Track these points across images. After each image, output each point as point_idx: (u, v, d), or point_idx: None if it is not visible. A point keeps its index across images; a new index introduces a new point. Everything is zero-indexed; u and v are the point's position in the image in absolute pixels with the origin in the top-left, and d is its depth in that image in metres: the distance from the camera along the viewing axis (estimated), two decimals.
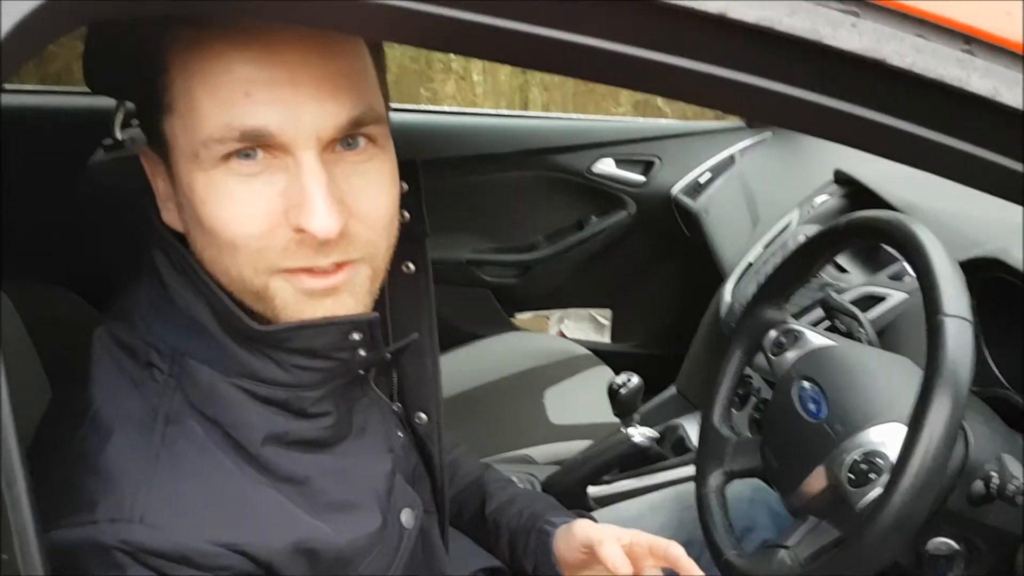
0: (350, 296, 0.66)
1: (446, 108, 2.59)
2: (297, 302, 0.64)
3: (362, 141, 0.64)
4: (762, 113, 0.53)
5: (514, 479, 1.28)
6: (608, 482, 1.42)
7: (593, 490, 1.41)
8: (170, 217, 0.67)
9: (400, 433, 0.82)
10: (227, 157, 0.60)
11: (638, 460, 1.40)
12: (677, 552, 0.86)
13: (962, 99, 0.48)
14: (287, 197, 0.60)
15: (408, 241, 0.77)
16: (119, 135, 1.52)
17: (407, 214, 0.77)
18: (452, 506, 0.98)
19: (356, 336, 0.67)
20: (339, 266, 0.64)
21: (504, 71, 5.00)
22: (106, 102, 1.56)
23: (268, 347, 0.66)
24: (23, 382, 0.81)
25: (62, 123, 1.73)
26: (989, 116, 0.48)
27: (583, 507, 1.36)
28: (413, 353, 0.81)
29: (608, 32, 0.47)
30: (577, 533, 0.91)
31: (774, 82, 0.49)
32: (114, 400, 0.65)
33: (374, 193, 0.65)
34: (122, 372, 0.66)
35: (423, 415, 0.84)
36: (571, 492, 1.38)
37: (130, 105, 1.57)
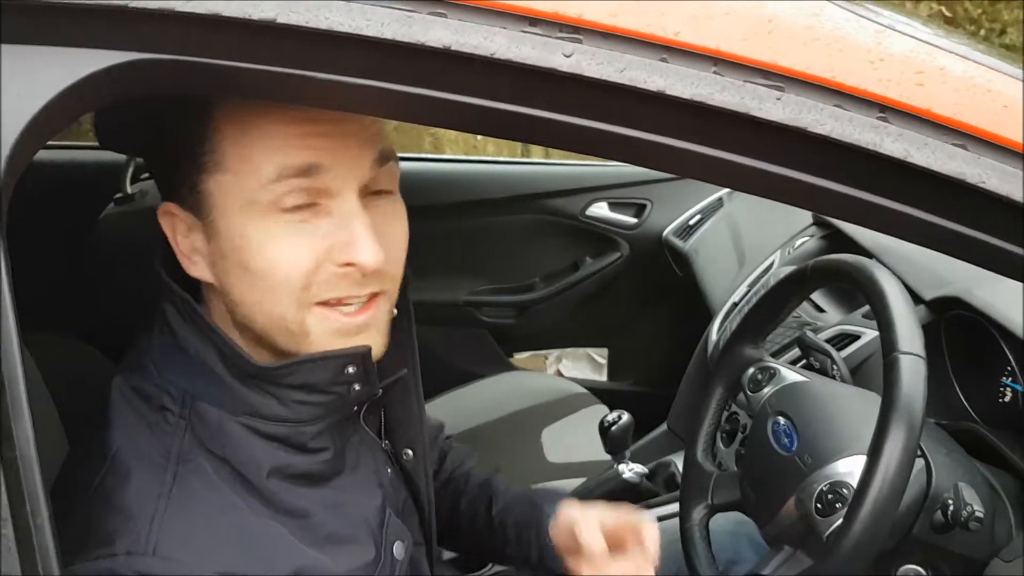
0: (376, 331, 0.74)
1: (446, 156, 2.67)
2: (330, 339, 0.72)
3: (384, 194, 0.73)
4: (703, 175, 0.59)
5: None
6: None
7: None
8: (196, 270, 0.73)
9: (389, 469, 0.86)
10: (279, 204, 0.68)
11: (629, 496, 1.44)
12: (643, 525, 0.88)
13: (877, 160, 0.54)
14: (330, 238, 0.69)
15: None
16: (129, 189, 1.60)
17: None
18: (466, 514, 1.03)
19: (351, 370, 0.73)
20: (368, 301, 0.72)
21: None
22: (114, 157, 1.63)
23: (270, 384, 0.72)
24: (41, 430, 0.87)
25: (73, 177, 1.81)
26: (902, 175, 0.54)
27: None
28: (400, 393, 0.87)
29: (573, 111, 0.54)
30: (562, 517, 0.93)
31: (710, 148, 0.55)
32: (131, 442, 0.70)
33: (397, 233, 0.75)
34: (138, 416, 0.72)
35: (410, 452, 0.89)
36: None
37: (139, 160, 1.65)
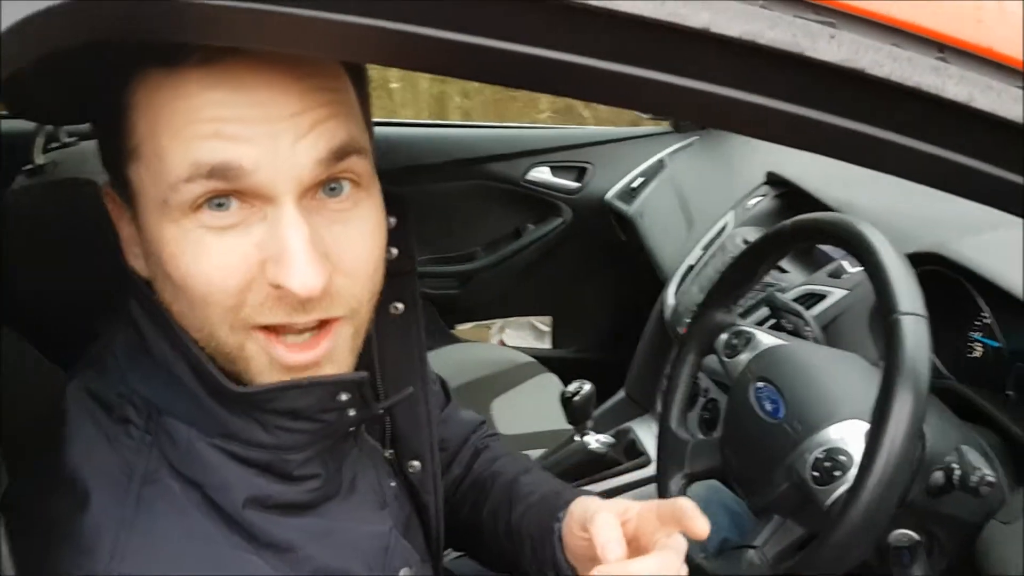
0: (332, 366, 0.61)
1: (377, 119, 2.56)
2: (272, 372, 0.60)
3: (346, 186, 0.59)
4: (747, 126, 0.53)
5: None
6: None
7: None
8: (137, 263, 0.62)
9: (393, 482, 0.77)
10: (198, 207, 0.55)
11: (594, 467, 1.41)
12: (685, 505, 0.68)
13: (939, 106, 0.49)
14: (264, 249, 0.56)
15: (396, 278, 0.71)
16: (40, 159, 1.47)
17: (394, 250, 0.71)
18: (487, 522, 0.90)
19: (344, 396, 0.62)
20: (320, 328, 0.60)
21: (423, 79, 4.95)
22: (22, 125, 1.49)
23: (250, 407, 0.61)
24: None
25: None
26: (965, 122, 0.49)
27: None
28: (406, 400, 0.76)
29: (595, 50, 0.47)
30: (575, 514, 0.77)
31: (758, 96, 0.49)
32: (90, 459, 0.60)
33: (359, 244, 0.60)
34: (97, 428, 0.61)
35: (416, 463, 0.80)
36: None
37: (49, 129, 1.51)
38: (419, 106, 5.05)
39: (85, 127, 1.57)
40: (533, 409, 1.73)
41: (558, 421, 1.45)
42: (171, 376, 0.61)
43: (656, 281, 1.74)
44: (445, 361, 1.90)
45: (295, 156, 0.55)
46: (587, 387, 1.36)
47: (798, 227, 1.00)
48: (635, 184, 2.01)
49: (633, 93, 0.51)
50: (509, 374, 1.85)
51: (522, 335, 2.33)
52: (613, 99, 0.53)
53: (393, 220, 0.70)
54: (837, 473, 0.87)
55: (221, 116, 0.54)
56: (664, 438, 1.12)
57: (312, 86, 0.56)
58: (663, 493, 1.08)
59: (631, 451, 1.53)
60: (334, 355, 0.61)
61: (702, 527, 0.66)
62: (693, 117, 0.55)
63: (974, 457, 0.87)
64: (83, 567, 0.56)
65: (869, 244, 0.87)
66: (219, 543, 0.60)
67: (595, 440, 1.34)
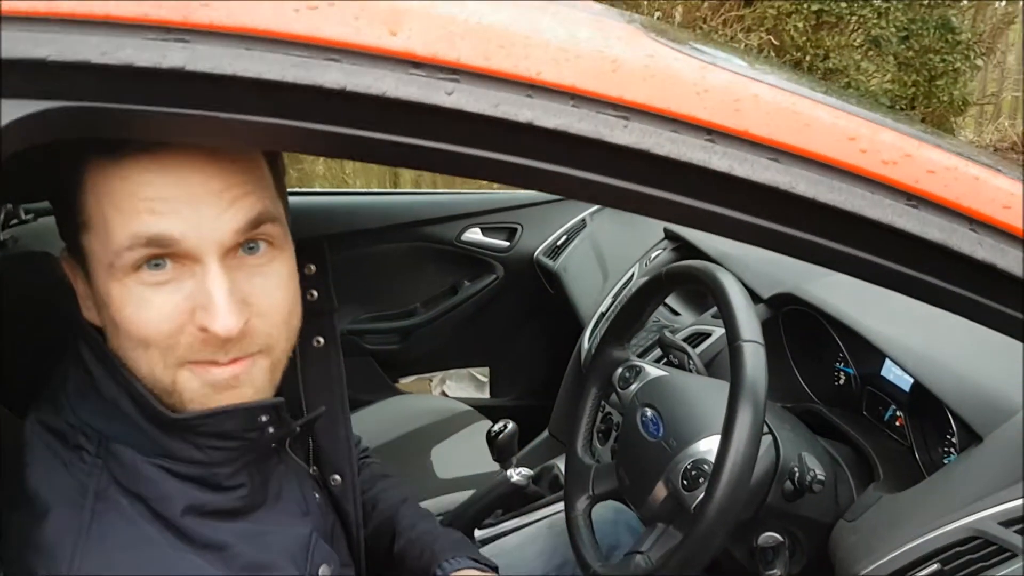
0: (250, 387, 0.74)
1: (322, 189, 2.72)
2: (203, 394, 0.72)
3: (262, 245, 0.72)
4: (568, 192, 0.69)
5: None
6: (493, 524, 1.55)
7: (480, 533, 1.53)
8: (90, 314, 0.75)
9: (317, 495, 0.89)
10: (138, 267, 0.68)
11: (518, 500, 1.53)
12: None
13: (707, 174, 0.65)
14: (192, 300, 0.68)
15: (317, 317, 0.86)
16: (0, 235, 1.59)
17: (315, 293, 0.86)
18: (370, 540, 1.03)
19: (264, 418, 0.75)
20: (236, 359, 0.72)
21: None
22: None
23: (184, 431, 0.74)
24: None
25: None
26: (727, 186, 0.65)
27: None
28: (327, 421, 0.90)
29: (457, 141, 0.63)
30: None
31: (573, 169, 0.65)
32: (48, 481, 0.72)
33: (273, 291, 0.73)
34: (53, 455, 0.73)
35: (337, 477, 0.93)
36: None
37: (9, 207, 1.63)
38: (369, 175, 5.24)
39: (41, 205, 1.71)
40: (470, 454, 1.85)
41: (492, 464, 1.57)
42: (116, 408, 0.73)
43: (580, 329, 1.90)
44: (387, 413, 2.02)
45: (219, 225, 0.68)
46: (511, 426, 1.49)
47: (670, 273, 1.16)
48: (560, 241, 2.19)
49: (483, 168, 0.66)
50: (448, 422, 1.97)
51: (463, 386, 2.46)
52: (470, 173, 0.68)
53: (313, 267, 0.84)
54: (701, 480, 1.01)
55: (154, 196, 0.67)
56: (570, 464, 1.26)
57: (231, 168, 0.69)
58: (569, 513, 1.21)
59: (555, 485, 1.66)
60: (251, 378, 0.74)
61: None
62: (529, 185, 0.71)
63: (811, 461, 1.02)
64: (48, 566, 0.67)
65: (720, 285, 1.04)
66: (162, 545, 0.72)
67: (516, 473, 1.47)
